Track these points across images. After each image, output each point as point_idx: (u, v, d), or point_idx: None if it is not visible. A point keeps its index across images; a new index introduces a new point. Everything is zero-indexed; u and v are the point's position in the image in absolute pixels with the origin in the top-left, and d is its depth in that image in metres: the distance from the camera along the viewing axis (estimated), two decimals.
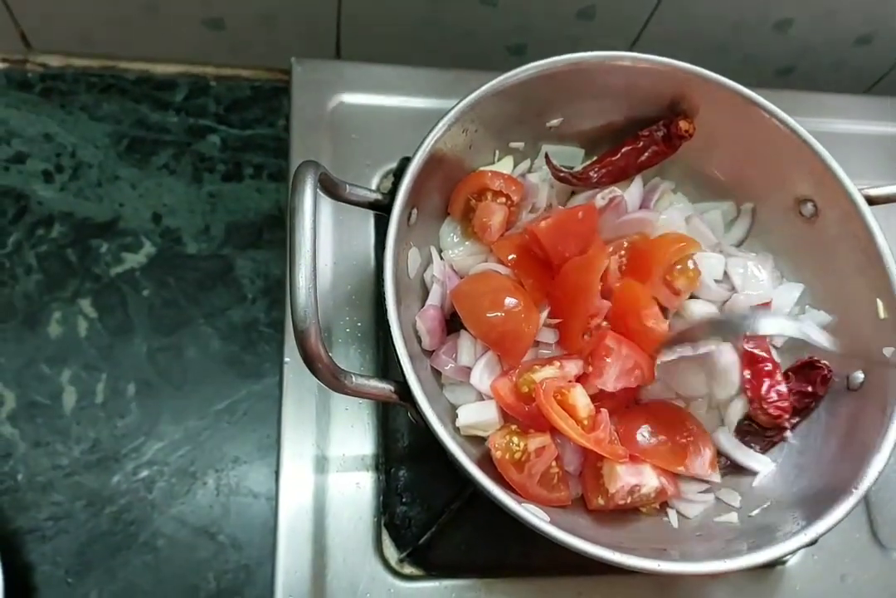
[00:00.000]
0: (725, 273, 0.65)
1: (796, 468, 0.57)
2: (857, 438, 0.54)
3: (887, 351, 0.55)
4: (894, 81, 0.94)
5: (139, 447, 0.67)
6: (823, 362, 0.61)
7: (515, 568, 0.61)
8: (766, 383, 0.60)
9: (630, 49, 0.85)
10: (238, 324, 0.72)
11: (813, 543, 0.50)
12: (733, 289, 0.65)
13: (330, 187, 0.51)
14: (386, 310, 0.50)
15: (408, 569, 0.60)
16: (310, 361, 0.45)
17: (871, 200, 0.58)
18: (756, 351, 0.62)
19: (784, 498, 0.56)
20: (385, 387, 0.49)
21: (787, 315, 0.62)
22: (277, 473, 0.62)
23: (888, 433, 0.51)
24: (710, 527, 0.55)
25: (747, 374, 0.61)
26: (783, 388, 0.60)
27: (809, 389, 0.61)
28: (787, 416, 0.60)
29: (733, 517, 0.56)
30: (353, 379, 0.47)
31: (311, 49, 0.81)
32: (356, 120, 0.74)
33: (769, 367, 0.61)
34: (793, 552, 0.53)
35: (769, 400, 0.60)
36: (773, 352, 0.63)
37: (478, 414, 0.57)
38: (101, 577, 0.63)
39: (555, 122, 0.65)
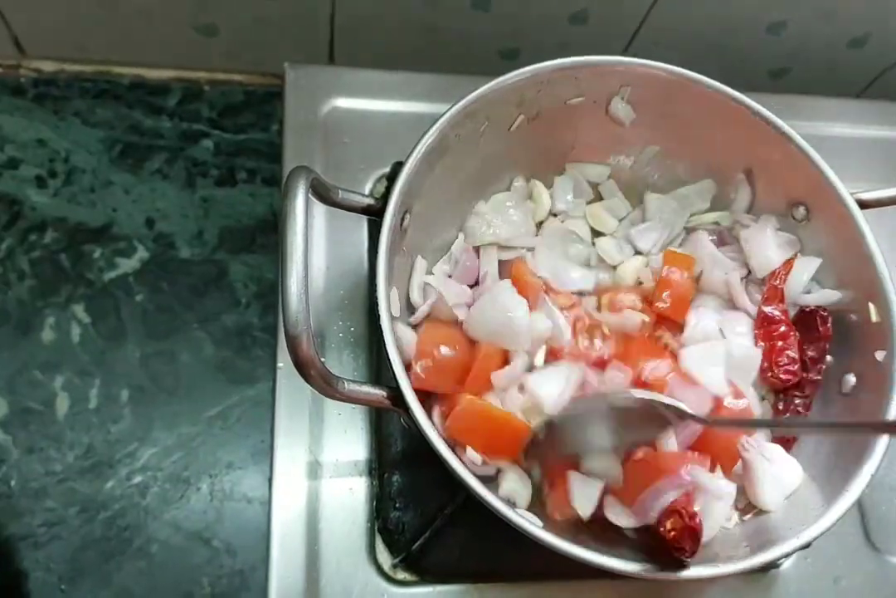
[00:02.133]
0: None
1: None
2: (849, 441, 0.54)
3: (879, 355, 0.55)
4: (887, 84, 0.94)
5: (133, 453, 0.67)
6: (815, 305, 0.61)
7: (509, 574, 0.61)
8: (779, 345, 0.61)
9: (623, 53, 0.86)
10: (232, 329, 0.72)
11: (807, 546, 0.50)
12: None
13: (322, 192, 0.51)
14: (378, 315, 0.50)
15: (401, 574, 0.60)
16: (302, 366, 0.45)
17: (863, 204, 0.59)
18: (771, 310, 0.62)
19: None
20: (377, 393, 0.49)
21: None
22: (270, 478, 0.62)
23: (880, 437, 0.51)
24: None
25: (759, 335, 0.62)
26: (794, 352, 0.60)
27: (817, 333, 0.61)
28: (795, 379, 0.60)
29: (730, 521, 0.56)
30: (346, 385, 0.47)
31: (305, 54, 0.81)
32: (349, 125, 0.74)
33: (783, 329, 0.61)
34: (787, 556, 0.53)
35: (780, 364, 0.60)
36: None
37: None
38: (94, 583, 0.63)
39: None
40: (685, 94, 0.62)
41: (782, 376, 0.60)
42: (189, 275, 0.74)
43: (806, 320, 0.62)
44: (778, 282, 0.63)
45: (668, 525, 0.50)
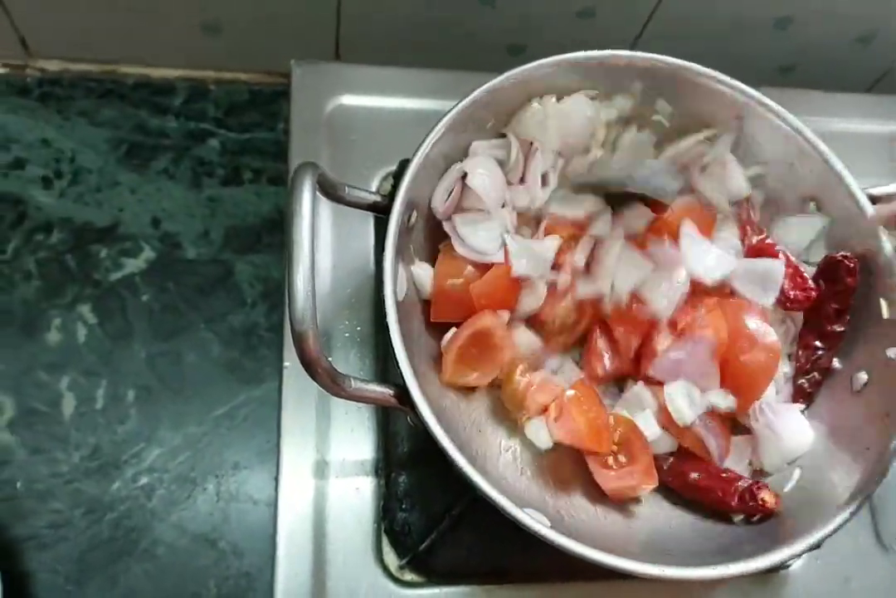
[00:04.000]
0: None
1: (800, 471, 0.57)
2: (860, 440, 0.53)
3: (891, 352, 0.55)
4: (892, 82, 0.93)
5: (139, 454, 0.67)
6: (840, 254, 0.60)
7: (517, 574, 0.60)
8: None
9: (632, 47, 0.85)
10: (238, 329, 0.72)
11: (817, 546, 0.49)
12: None
13: (329, 189, 0.51)
14: (386, 313, 0.50)
15: (408, 576, 0.60)
16: (308, 364, 0.44)
17: (875, 200, 0.58)
18: (765, 242, 0.62)
19: (788, 501, 0.55)
20: (384, 391, 0.49)
21: None
22: (277, 478, 0.62)
23: (892, 435, 0.51)
24: (713, 530, 0.55)
25: None
26: (802, 271, 0.61)
27: (842, 285, 0.59)
28: (813, 295, 0.60)
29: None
30: (352, 383, 0.47)
31: (311, 52, 0.81)
32: (355, 122, 0.74)
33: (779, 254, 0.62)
34: (797, 556, 0.52)
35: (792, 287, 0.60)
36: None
37: None
38: (101, 585, 0.63)
39: None
40: (693, 88, 0.62)
41: (798, 296, 0.60)
42: (195, 275, 0.74)
43: (831, 270, 0.61)
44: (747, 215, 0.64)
45: (765, 496, 0.54)
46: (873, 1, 0.81)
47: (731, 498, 0.54)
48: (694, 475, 0.57)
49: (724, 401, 0.58)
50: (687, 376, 0.57)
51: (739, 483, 0.55)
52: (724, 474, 0.57)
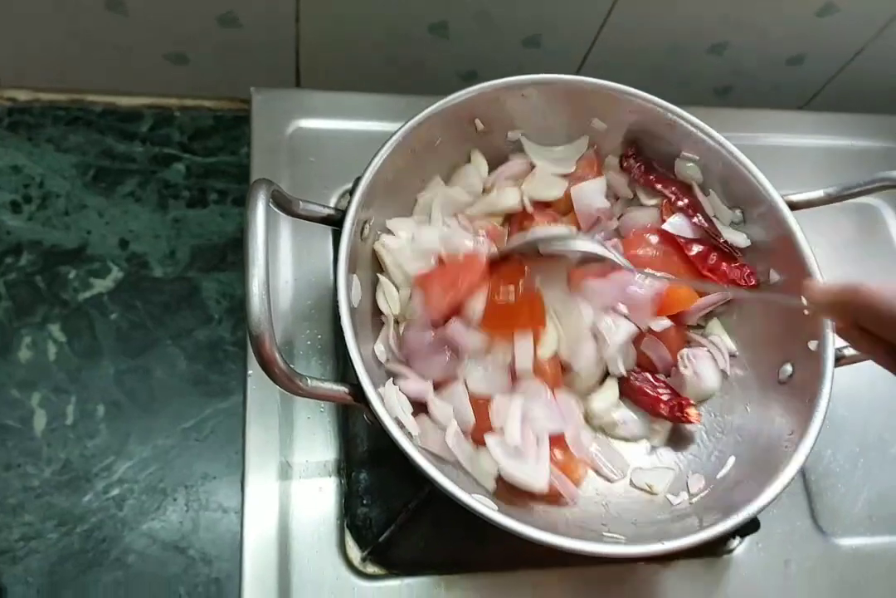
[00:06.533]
0: None
1: (733, 456, 0.60)
2: (786, 425, 0.57)
3: (812, 344, 0.58)
4: (826, 100, 0.99)
5: (109, 467, 0.68)
6: None
7: (473, 564, 0.62)
8: None
9: (577, 73, 0.90)
10: (204, 344, 0.74)
11: (756, 526, 0.51)
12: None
13: (283, 204, 0.54)
14: (340, 312, 0.53)
15: (370, 568, 0.61)
16: (265, 364, 0.47)
17: (793, 205, 0.62)
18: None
19: (721, 484, 0.58)
20: (340, 389, 0.51)
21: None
22: (242, 481, 0.63)
23: (813, 421, 0.54)
24: (650, 512, 0.58)
25: None
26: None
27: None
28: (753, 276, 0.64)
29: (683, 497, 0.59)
30: (309, 382, 0.49)
31: (272, 80, 0.84)
32: (314, 144, 0.77)
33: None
34: (731, 535, 0.54)
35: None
36: None
37: None
38: (72, 596, 0.64)
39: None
40: (629, 108, 0.66)
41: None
42: (162, 293, 0.75)
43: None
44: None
45: (690, 411, 0.63)
46: (801, 27, 0.86)
47: (663, 407, 0.63)
48: (637, 383, 0.65)
49: (658, 325, 0.65)
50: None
51: (672, 398, 0.64)
52: (661, 390, 0.64)
